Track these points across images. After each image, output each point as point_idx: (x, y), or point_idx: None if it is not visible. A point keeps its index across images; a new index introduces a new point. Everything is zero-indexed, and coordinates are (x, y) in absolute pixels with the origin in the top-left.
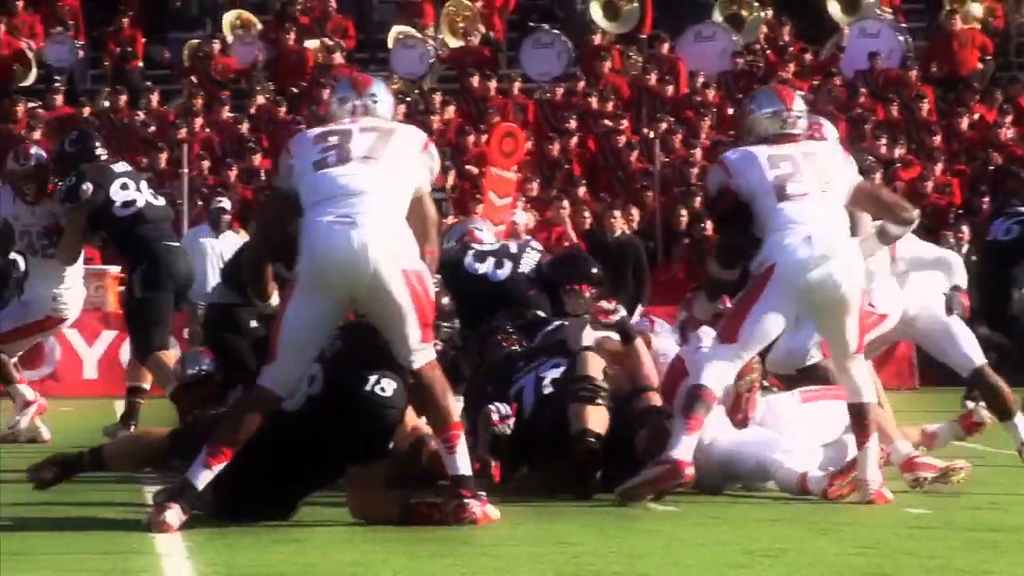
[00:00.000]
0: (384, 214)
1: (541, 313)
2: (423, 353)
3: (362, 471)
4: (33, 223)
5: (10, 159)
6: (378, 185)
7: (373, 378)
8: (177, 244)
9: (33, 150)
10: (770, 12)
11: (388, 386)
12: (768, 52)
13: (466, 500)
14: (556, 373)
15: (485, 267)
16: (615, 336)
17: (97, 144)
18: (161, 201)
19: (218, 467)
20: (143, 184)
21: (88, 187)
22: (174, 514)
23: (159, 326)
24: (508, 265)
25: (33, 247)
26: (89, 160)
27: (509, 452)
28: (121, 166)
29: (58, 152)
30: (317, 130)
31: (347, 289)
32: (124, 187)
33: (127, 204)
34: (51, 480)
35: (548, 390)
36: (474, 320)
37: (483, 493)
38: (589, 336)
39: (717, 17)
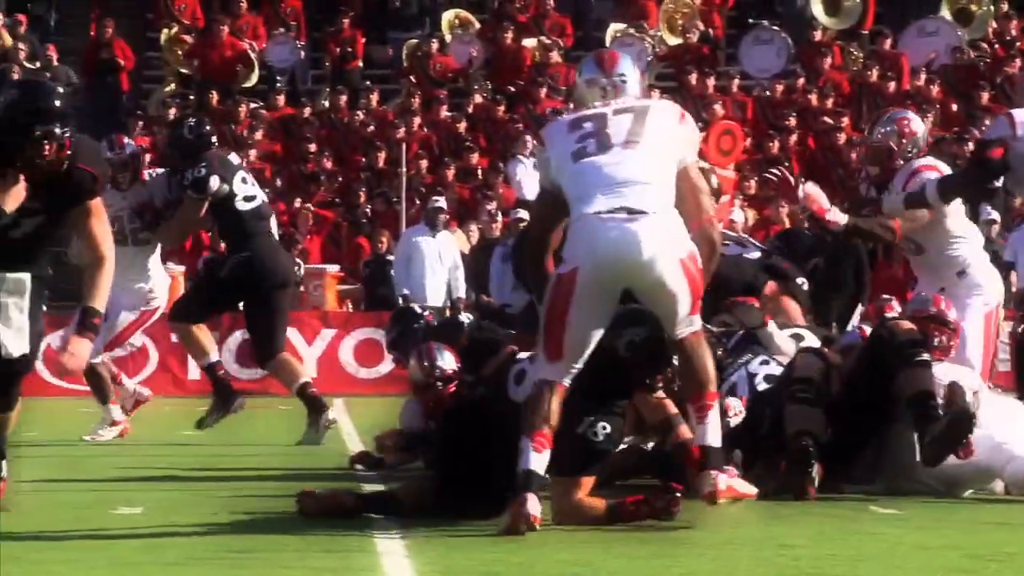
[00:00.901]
0: (655, 203)
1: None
2: (689, 325)
3: (563, 478)
4: (124, 207)
5: (104, 148)
6: (644, 171)
7: (590, 419)
8: (276, 239)
9: (127, 140)
10: (1005, 6)
11: (601, 430)
12: (996, 47)
13: (711, 472)
14: (768, 369)
15: (730, 250)
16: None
17: (212, 132)
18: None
19: (546, 451)
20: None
21: (216, 180)
22: (535, 503)
23: (210, 308)
24: (750, 244)
25: (123, 234)
26: (206, 148)
27: (728, 446)
28: (235, 157)
29: (176, 138)
30: (570, 117)
31: (626, 283)
32: (244, 180)
33: (248, 198)
34: (391, 446)
35: (762, 387)
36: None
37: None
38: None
39: (945, 12)
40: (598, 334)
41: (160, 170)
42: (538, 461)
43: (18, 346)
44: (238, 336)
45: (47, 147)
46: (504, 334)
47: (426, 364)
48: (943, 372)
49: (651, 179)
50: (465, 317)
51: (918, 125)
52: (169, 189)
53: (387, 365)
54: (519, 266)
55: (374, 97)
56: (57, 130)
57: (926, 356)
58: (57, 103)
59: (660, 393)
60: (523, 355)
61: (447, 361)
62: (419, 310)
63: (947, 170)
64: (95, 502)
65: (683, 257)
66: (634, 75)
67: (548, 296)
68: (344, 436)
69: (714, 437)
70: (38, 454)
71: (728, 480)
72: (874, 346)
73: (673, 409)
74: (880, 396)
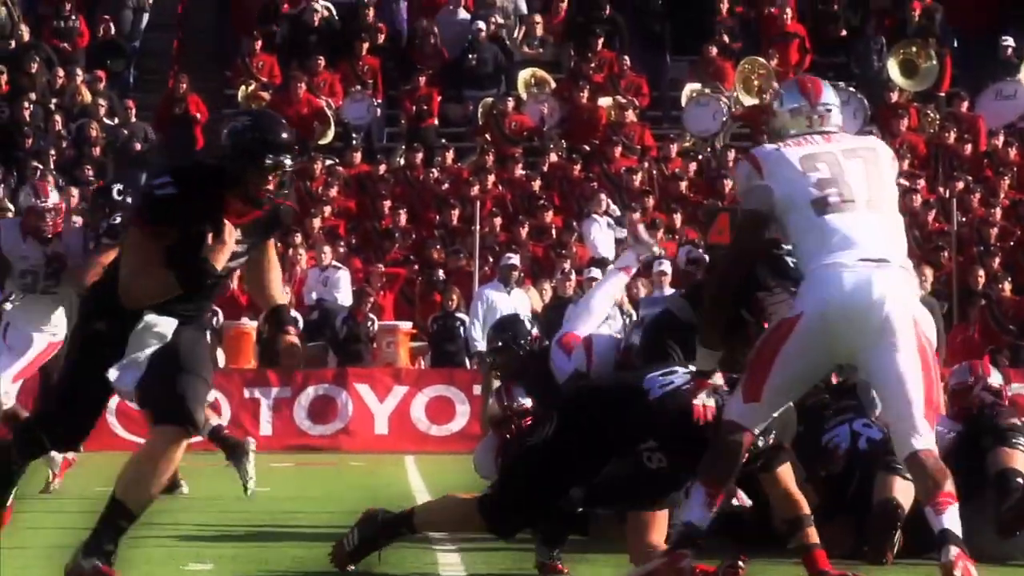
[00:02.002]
0: (897, 260)
1: None
2: (924, 438)
3: (643, 516)
4: (43, 260)
5: (29, 195)
6: (885, 232)
7: (649, 444)
8: None
9: (51, 189)
10: None
11: (657, 461)
12: None
13: (952, 547)
14: (870, 432)
15: None
16: None
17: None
18: None
19: (715, 510)
20: None
21: None
22: (689, 562)
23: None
24: None
25: (34, 286)
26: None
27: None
28: None
29: (105, 197)
30: (796, 150)
31: (851, 337)
32: None
33: None
34: None
35: (863, 447)
36: None
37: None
38: None
39: None
40: (801, 388)
41: (77, 222)
42: (705, 518)
43: (124, 379)
44: (311, 392)
45: (272, 179)
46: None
47: (505, 403)
48: None
49: (891, 239)
50: None
51: None
52: (84, 242)
53: (459, 423)
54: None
55: (449, 155)
56: (287, 161)
57: (901, 466)
58: (286, 135)
59: (796, 490)
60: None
61: (521, 396)
62: (527, 323)
63: None
64: (166, 558)
65: (917, 317)
66: (837, 103)
67: (763, 336)
68: (415, 494)
69: (951, 523)
70: None
71: (968, 565)
72: (975, 426)
73: (806, 509)
74: (976, 473)
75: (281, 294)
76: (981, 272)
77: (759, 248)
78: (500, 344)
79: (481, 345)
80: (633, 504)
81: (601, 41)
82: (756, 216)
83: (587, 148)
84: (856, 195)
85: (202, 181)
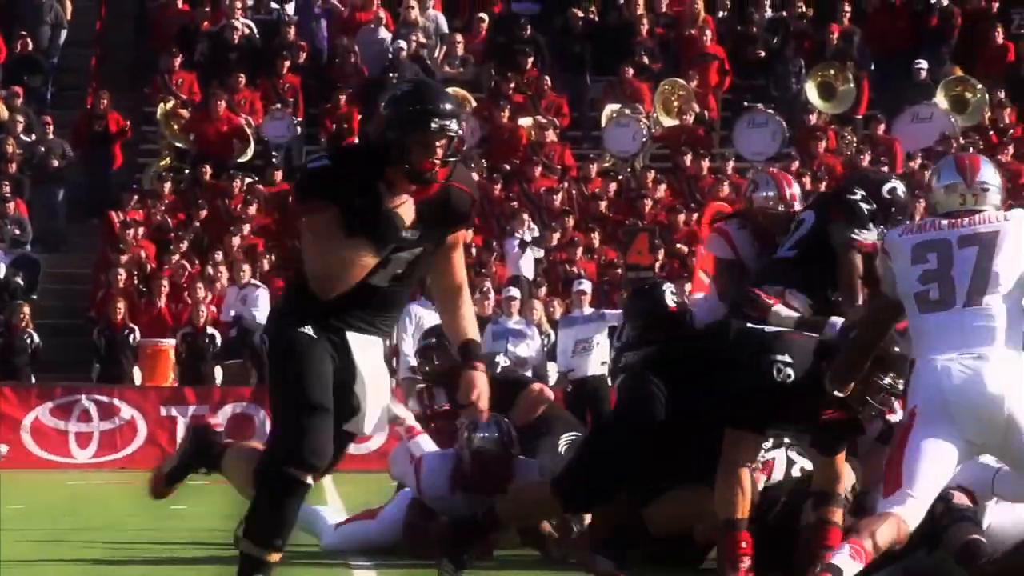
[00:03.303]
0: (1002, 348)
1: None
2: None
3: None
4: None
5: None
6: (987, 325)
7: (780, 358)
8: None
9: None
10: (1000, 94)
11: (785, 370)
12: (991, 133)
13: None
14: (803, 462)
15: None
16: None
17: None
18: None
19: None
20: None
21: None
22: None
23: None
24: None
25: None
26: None
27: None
28: None
29: None
30: (913, 238)
31: (976, 430)
32: None
33: None
34: None
35: (796, 474)
36: None
37: None
38: None
39: (940, 99)
40: (938, 469)
41: None
42: (852, 568)
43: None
44: (228, 410)
45: (440, 146)
46: (530, 379)
47: (425, 403)
48: None
49: (991, 331)
50: (502, 359)
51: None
52: None
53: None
54: None
55: None
56: (453, 126)
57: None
58: (449, 103)
59: (841, 469)
60: None
61: (441, 399)
62: None
63: None
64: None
65: None
66: (997, 182)
67: (893, 438)
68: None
69: None
70: (23, 526)
71: None
72: None
73: (841, 490)
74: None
75: (472, 328)
76: None
77: (889, 324)
78: (435, 341)
79: (413, 360)
80: (741, 417)
81: (527, 61)
82: (885, 297)
83: (507, 168)
84: (957, 292)
85: (360, 154)
